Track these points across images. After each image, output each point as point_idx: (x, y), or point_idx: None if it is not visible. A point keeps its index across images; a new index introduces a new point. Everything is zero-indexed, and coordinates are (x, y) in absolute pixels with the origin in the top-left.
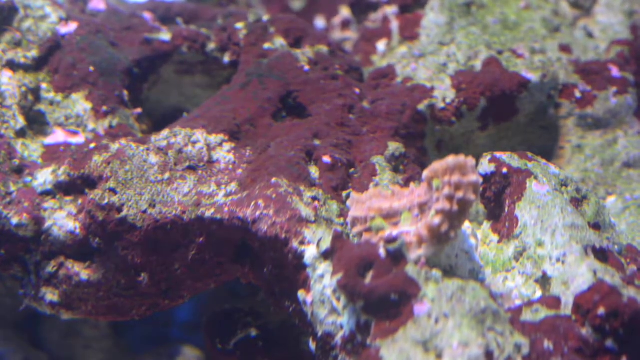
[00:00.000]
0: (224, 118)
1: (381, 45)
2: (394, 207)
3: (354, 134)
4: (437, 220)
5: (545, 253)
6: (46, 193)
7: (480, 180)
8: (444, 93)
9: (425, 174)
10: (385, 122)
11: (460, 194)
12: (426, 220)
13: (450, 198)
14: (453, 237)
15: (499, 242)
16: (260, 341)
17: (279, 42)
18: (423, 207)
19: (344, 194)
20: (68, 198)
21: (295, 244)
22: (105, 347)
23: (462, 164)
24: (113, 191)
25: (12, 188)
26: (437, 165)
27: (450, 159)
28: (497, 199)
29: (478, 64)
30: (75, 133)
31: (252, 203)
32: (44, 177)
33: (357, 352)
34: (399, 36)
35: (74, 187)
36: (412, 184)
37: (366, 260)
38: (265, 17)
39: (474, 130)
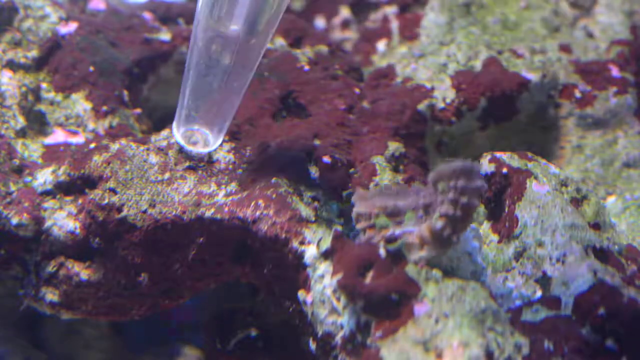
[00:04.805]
0: None
1: (381, 45)
2: (398, 205)
3: (354, 134)
4: (440, 224)
5: (545, 253)
6: (46, 193)
7: (486, 186)
8: (444, 93)
9: (432, 176)
10: (385, 122)
11: (464, 200)
12: (429, 222)
13: (454, 203)
14: (455, 242)
15: (499, 242)
16: (260, 341)
17: (279, 42)
18: (427, 209)
19: (344, 193)
20: (68, 198)
21: (295, 243)
22: (105, 347)
23: (469, 169)
24: (113, 191)
25: (12, 188)
26: (443, 168)
27: (457, 164)
28: (497, 199)
29: (478, 64)
30: (75, 133)
31: (252, 203)
32: (44, 177)
33: (357, 352)
34: (399, 36)
35: (74, 187)
36: (415, 184)
37: (366, 260)
38: None
39: (474, 130)
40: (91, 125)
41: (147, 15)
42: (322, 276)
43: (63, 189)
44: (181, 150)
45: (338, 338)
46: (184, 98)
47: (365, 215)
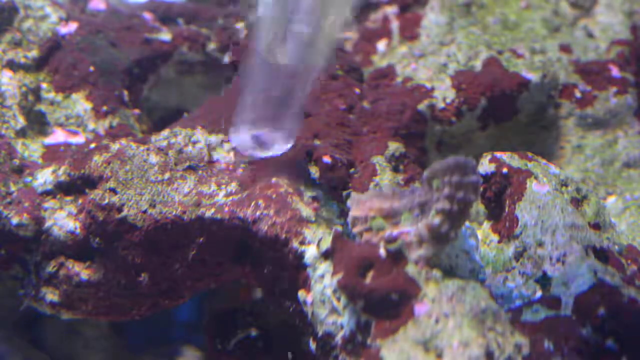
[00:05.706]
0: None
1: (381, 45)
2: (394, 207)
3: (354, 134)
4: (437, 220)
5: (545, 253)
6: (46, 193)
7: (481, 180)
8: (444, 93)
9: (426, 174)
10: (385, 122)
11: (460, 194)
12: (426, 220)
13: (450, 198)
14: (453, 237)
15: (499, 242)
16: (260, 341)
17: None
18: (423, 207)
19: (344, 193)
20: (68, 198)
21: (295, 244)
22: (105, 347)
23: (463, 164)
24: (113, 191)
25: (13, 188)
26: (437, 165)
27: (451, 159)
28: (497, 199)
29: (478, 64)
30: (75, 133)
31: (252, 203)
32: (44, 177)
33: (358, 352)
34: (399, 36)
35: (74, 187)
36: (412, 184)
37: (366, 260)
38: None
39: (474, 130)
40: (91, 125)
41: (147, 15)
42: (322, 276)
43: (63, 189)
44: (180, 152)
45: (338, 338)
46: (247, 105)
47: (361, 219)
